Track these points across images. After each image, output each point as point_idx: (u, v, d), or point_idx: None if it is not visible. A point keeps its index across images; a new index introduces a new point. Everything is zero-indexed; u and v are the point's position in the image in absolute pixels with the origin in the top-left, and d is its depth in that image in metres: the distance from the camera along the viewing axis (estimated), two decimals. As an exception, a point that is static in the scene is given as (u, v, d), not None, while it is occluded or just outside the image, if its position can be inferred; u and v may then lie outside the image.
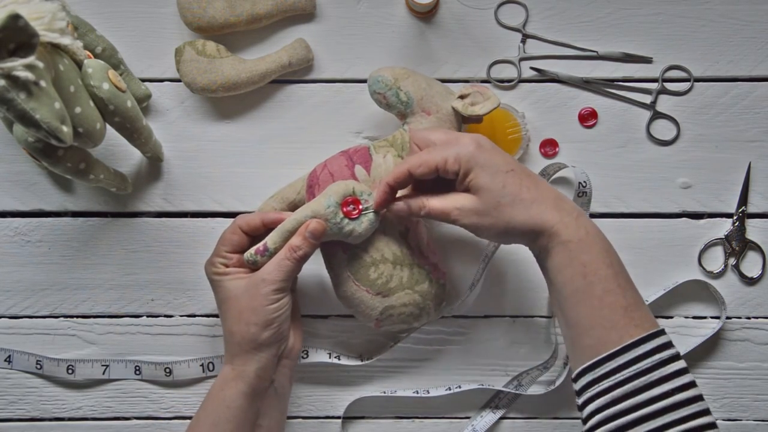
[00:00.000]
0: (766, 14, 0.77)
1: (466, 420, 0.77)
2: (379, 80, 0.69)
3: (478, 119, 0.70)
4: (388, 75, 0.69)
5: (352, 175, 0.67)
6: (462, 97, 0.70)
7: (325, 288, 0.76)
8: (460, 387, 0.75)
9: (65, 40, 0.59)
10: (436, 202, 0.63)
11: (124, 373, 0.76)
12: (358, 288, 0.68)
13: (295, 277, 0.69)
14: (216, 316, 0.77)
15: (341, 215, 0.65)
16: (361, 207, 0.65)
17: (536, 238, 0.61)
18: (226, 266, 0.68)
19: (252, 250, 0.66)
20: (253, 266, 0.66)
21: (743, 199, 0.77)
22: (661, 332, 0.57)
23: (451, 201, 0.62)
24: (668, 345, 0.57)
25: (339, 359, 0.75)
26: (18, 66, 0.51)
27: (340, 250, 0.68)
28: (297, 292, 0.75)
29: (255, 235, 0.69)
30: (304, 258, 0.65)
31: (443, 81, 0.75)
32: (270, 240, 0.66)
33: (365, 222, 0.65)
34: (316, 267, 0.76)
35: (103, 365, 0.76)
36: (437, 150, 0.62)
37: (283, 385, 0.70)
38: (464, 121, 0.71)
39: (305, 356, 0.75)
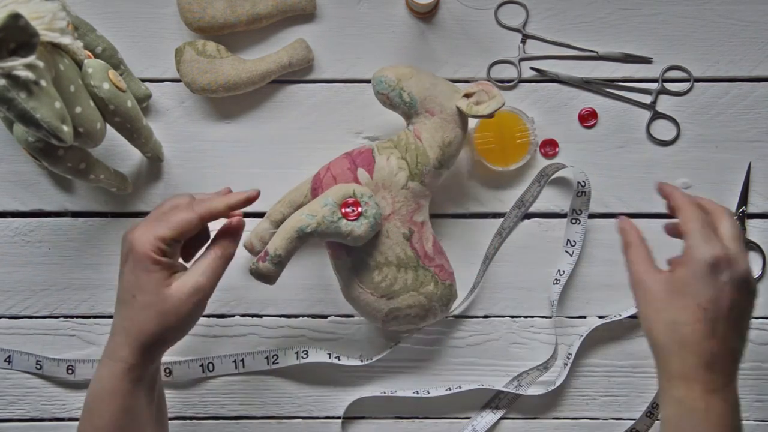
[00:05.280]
0: (766, 14, 0.77)
1: (466, 420, 0.77)
2: (382, 80, 0.69)
3: (483, 118, 0.69)
4: (391, 75, 0.69)
5: (355, 179, 0.67)
6: (467, 95, 0.69)
7: (325, 288, 0.76)
8: (460, 387, 0.75)
9: (65, 40, 0.59)
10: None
11: (124, 373, 0.76)
12: (363, 291, 0.68)
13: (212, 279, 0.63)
14: (217, 316, 0.77)
15: (339, 215, 0.65)
16: (360, 210, 0.65)
17: None
18: (165, 254, 0.59)
19: (255, 259, 0.65)
20: (257, 275, 0.64)
21: (743, 199, 0.77)
22: None
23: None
24: None
25: (339, 359, 0.75)
26: (18, 65, 0.51)
27: (345, 253, 0.68)
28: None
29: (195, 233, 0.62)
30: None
31: (443, 81, 0.75)
32: (271, 245, 0.64)
33: (365, 224, 0.65)
34: (316, 267, 0.76)
35: (103, 365, 0.76)
36: None
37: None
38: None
39: (305, 356, 0.75)
